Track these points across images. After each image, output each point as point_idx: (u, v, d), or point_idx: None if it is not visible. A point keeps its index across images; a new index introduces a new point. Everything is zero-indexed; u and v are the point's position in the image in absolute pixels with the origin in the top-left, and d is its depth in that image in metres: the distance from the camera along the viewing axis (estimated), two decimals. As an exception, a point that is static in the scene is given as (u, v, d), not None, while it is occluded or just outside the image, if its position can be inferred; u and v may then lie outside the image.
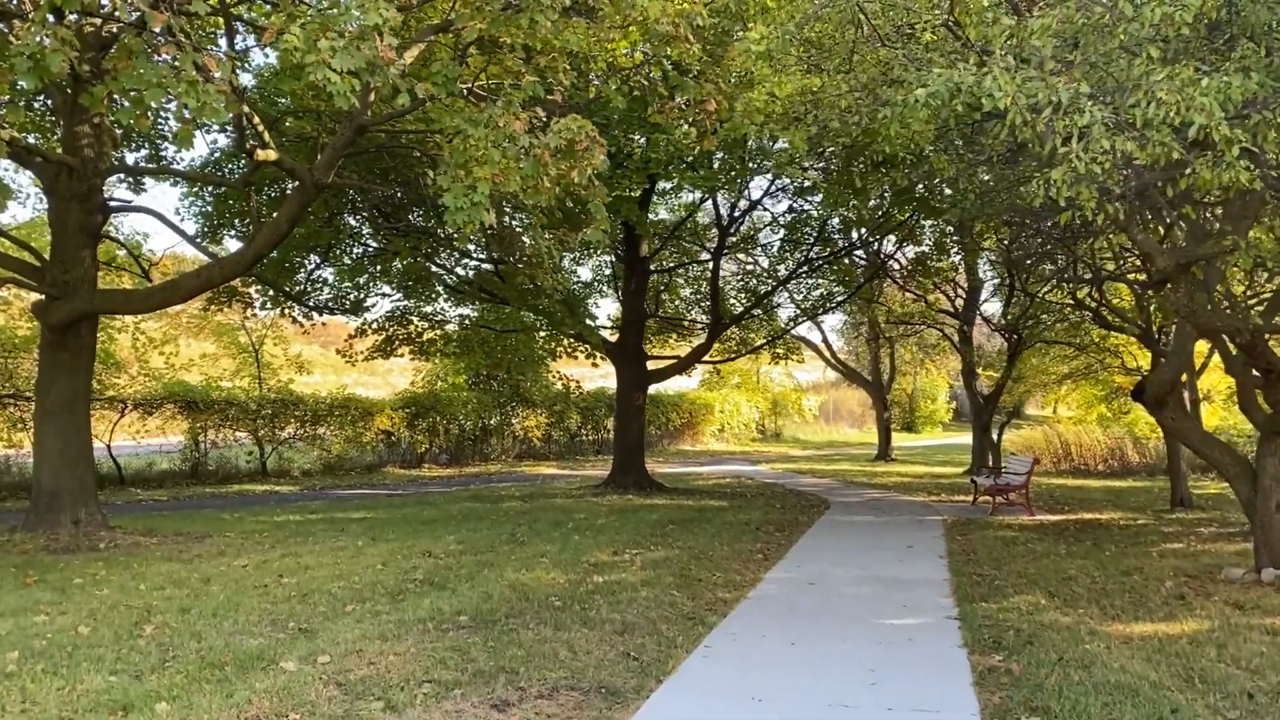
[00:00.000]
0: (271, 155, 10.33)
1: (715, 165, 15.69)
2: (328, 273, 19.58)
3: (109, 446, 20.89)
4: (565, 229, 11.37)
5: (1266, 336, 7.90)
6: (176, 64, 6.46)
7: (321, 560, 10.39)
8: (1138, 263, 12.92)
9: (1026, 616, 7.65)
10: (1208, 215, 7.39)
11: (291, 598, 8.36)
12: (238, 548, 11.33)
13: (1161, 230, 9.03)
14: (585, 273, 24.49)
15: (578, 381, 27.46)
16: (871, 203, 17.72)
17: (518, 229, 16.06)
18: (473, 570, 9.75)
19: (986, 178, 9.38)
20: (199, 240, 16.75)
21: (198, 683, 5.80)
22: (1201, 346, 16.27)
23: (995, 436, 24.95)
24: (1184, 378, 16.53)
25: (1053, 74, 4.99)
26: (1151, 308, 13.81)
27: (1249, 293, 13.13)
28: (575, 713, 5.33)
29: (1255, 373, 8.71)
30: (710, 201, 20.24)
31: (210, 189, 17.19)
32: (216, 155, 17.31)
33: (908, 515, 15.36)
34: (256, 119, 10.33)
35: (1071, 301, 18.30)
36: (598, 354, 20.18)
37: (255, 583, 9.07)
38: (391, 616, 7.61)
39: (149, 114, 9.59)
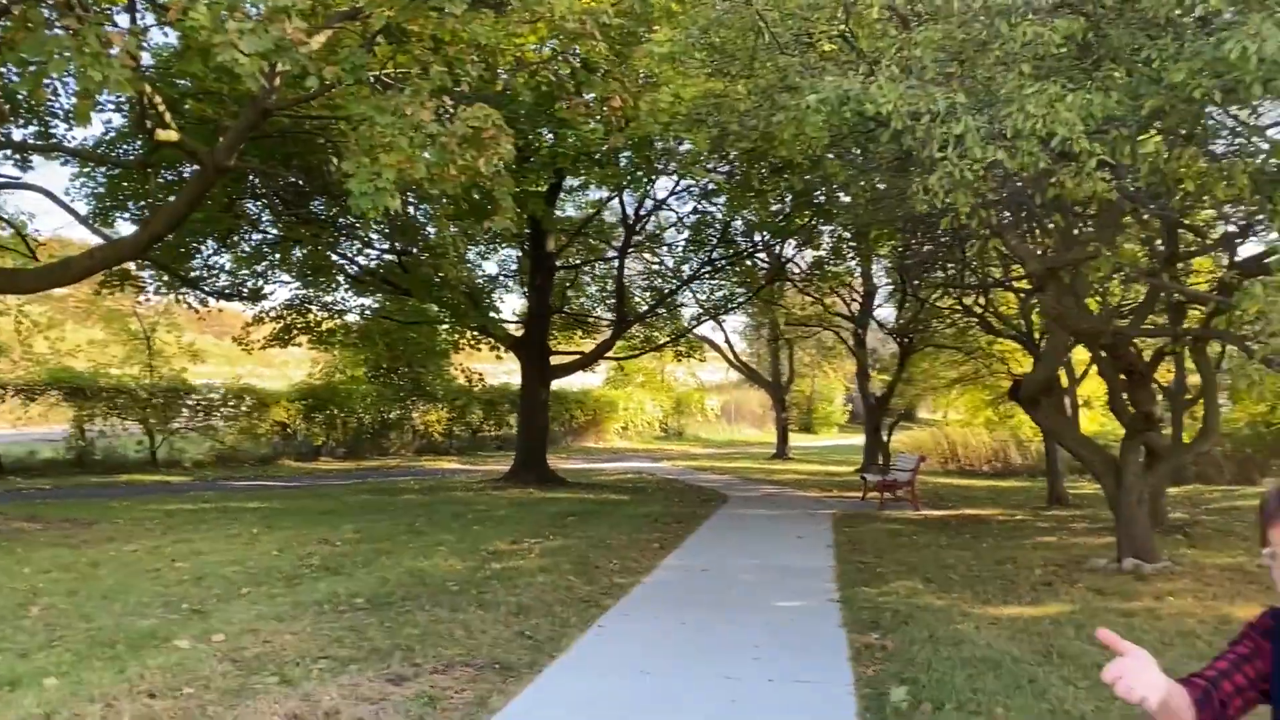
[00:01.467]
0: (173, 136, 10.17)
1: (622, 164, 15.93)
2: (225, 259, 19.19)
3: (-13, 433, 20.11)
4: (472, 220, 11.41)
5: (1131, 341, 8.48)
6: (78, 36, 6.37)
7: (215, 546, 10.27)
8: (1021, 271, 13.63)
9: (904, 600, 8.07)
10: (1081, 224, 7.92)
11: (184, 581, 8.29)
12: (127, 534, 11.10)
13: (1039, 237, 9.60)
14: (491, 267, 24.48)
15: (480, 374, 27.38)
16: (774, 207, 18.21)
17: (422, 220, 16.04)
18: (370, 557, 9.78)
19: (880, 185, 9.82)
20: (90, 221, 16.27)
21: (87, 660, 5.77)
22: (1085, 354, 17.18)
23: (885, 437, 25.75)
24: (1065, 383, 17.47)
25: (934, 84, 5.35)
26: (1032, 314, 14.55)
27: (1124, 300, 13.97)
28: (470, 686, 5.48)
29: (1121, 375, 9.33)
30: (617, 200, 20.49)
31: (103, 170, 16.69)
32: (110, 135, 16.82)
33: (800, 510, 15.84)
34: (158, 99, 10.14)
35: (959, 307, 19.12)
36: (501, 347, 20.22)
37: (146, 567, 8.95)
38: (287, 599, 7.63)
39: (45, 87, 9.32)
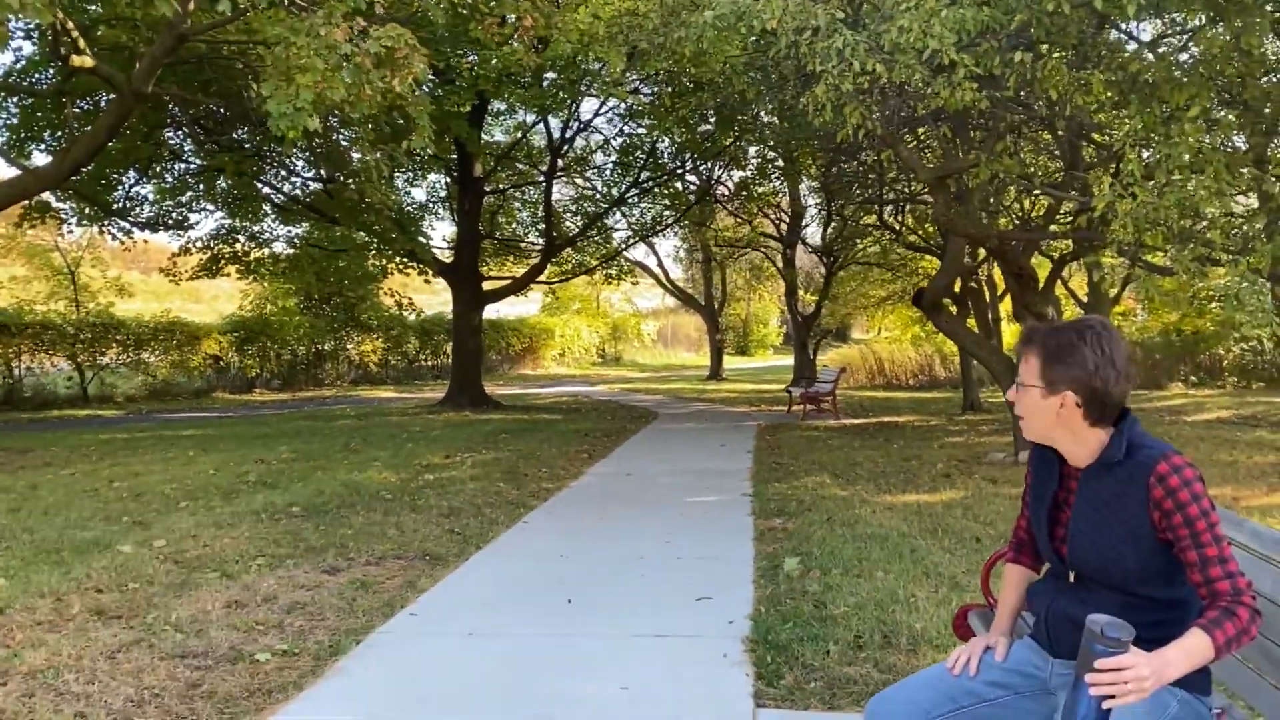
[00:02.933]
0: (88, 62, 10.11)
1: (545, 85, 16.03)
2: (148, 190, 18.97)
3: (-90, 373, 19.82)
4: (394, 144, 11.54)
5: (1015, 243, 9.02)
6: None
7: (152, 468, 10.53)
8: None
9: (810, 492, 8.66)
10: (969, 135, 8.40)
11: (124, 498, 8.57)
12: (64, 460, 11.29)
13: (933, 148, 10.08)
14: (420, 194, 24.47)
15: (409, 299, 27.51)
16: (702, 129, 18.47)
17: (344, 144, 16.02)
18: (306, 473, 10.12)
19: (788, 102, 10.15)
20: (5, 153, 15.99)
21: (34, 564, 6.08)
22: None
23: (811, 354, 26.49)
24: (987, 297, 18.23)
25: (816, 1, 5.70)
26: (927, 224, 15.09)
27: (1025, 208, 14.58)
28: (400, 574, 5.90)
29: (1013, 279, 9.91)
30: (543, 123, 20.57)
31: (15, 100, 16.35)
32: (20, 64, 16.45)
33: (726, 423, 16.46)
34: (70, 24, 10.05)
35: (879, 224, 19.70)
36: (429, 272, 20.36)
37: (85, 487, 9.20)
38: (225, 509, 7.97)
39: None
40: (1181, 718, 2.12)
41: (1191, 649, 1.97)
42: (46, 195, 16.26)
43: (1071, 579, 2.29)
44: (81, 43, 10.13)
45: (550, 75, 16.54)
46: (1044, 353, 2.20)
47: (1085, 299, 17.82)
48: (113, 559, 6.17)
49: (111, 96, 11.81)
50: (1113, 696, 1.87)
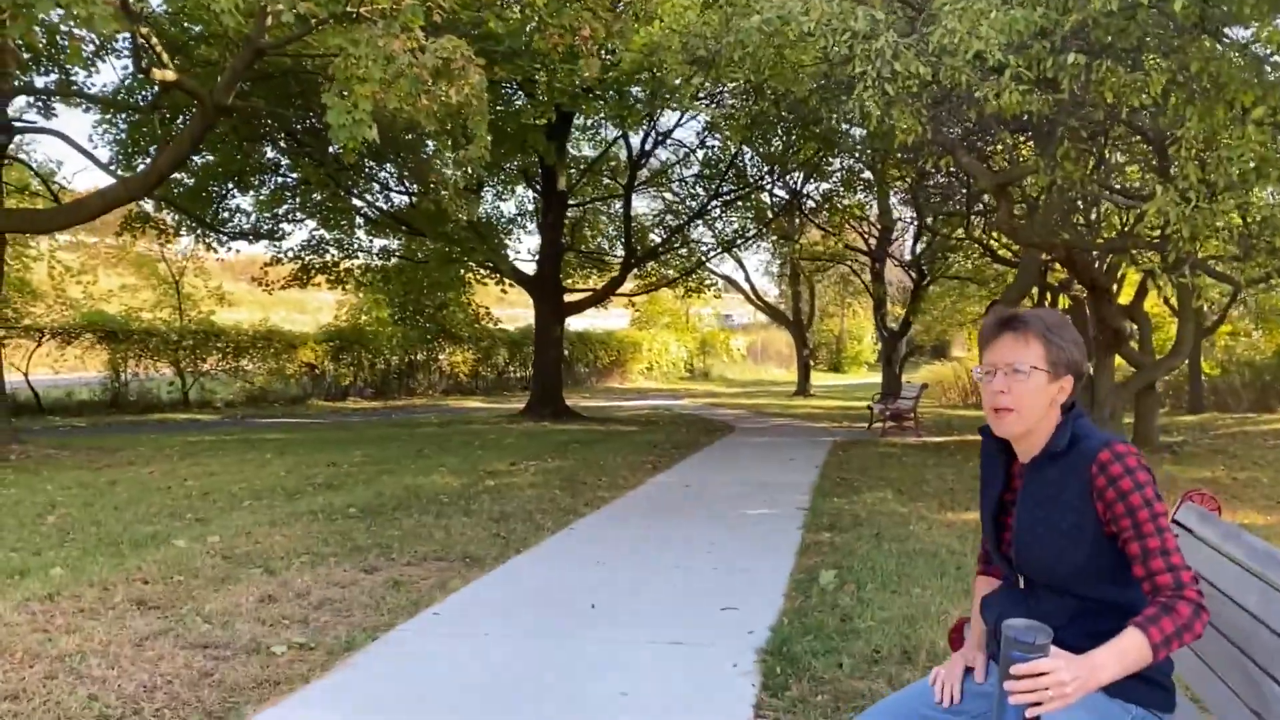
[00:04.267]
0: (170, 75, 10.57)
1: (621, 98, 16.14)
2: (245, 202, 19.73)
3: (26, 376, 20.89)
4: (464, 153, 11.75)
5: (1091, 255, 8.68)
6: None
7: (228, 469, 10.88)
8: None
9: (868, 507, 8.45)
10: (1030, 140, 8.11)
11: (192, 496, 8.87)
12: (148, 459, 11.75)
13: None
14: (509, 207, 24.85)
15: (487, 309, 27.98)
16: (776, 140, 18.35)
17: (426, 157, 16.39)
18: (372, 477, 10.32)
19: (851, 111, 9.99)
20: (112, 168, 16.81)
21: (92, 555, 6.32)
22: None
23: (898, 369, 26.01)
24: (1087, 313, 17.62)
25: (859, 2, 5.59)
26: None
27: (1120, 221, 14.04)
28: (436, 575, 5.95)
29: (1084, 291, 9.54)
30: (623, 136, 20.71)
31: (124, 116, 17.20)
32: (128, 81, 17.30)
33: (803, 438, 16.22)
34: (155, 39, 10.53)
35: (967, 238, 19.23)
36: (506, 283, 20.62)
37: (159, 485, 9.55)
38: (285, 509, 8.17)
39: (42, 30, 9.68)
40: (1136, 738, 1.99)
41: (1125, 649, 1.84)
42: (147, 205, 17.03)
43: (1021, 585, 2.17)
44: (165, 57, 10.59)
45: (634, 90, 16.68)
46: (1047, 335, 2.09)
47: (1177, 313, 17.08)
48: (166, 552, 6.38)
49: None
50: (1038, 704, 1.76)
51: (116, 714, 3.61)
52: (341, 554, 6.46)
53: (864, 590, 5.40)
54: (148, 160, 18.04)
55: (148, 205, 16.82)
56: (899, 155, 14.89)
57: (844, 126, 15.44)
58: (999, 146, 10.28)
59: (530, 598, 5.37)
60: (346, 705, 3.74)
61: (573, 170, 20.98)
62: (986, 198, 15.82)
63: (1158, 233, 8.43)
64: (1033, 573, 2.11)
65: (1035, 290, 13.73)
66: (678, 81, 15.14)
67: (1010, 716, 1.78)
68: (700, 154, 21.43)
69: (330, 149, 18.09)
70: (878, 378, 46.73)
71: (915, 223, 24.06)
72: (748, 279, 33.93)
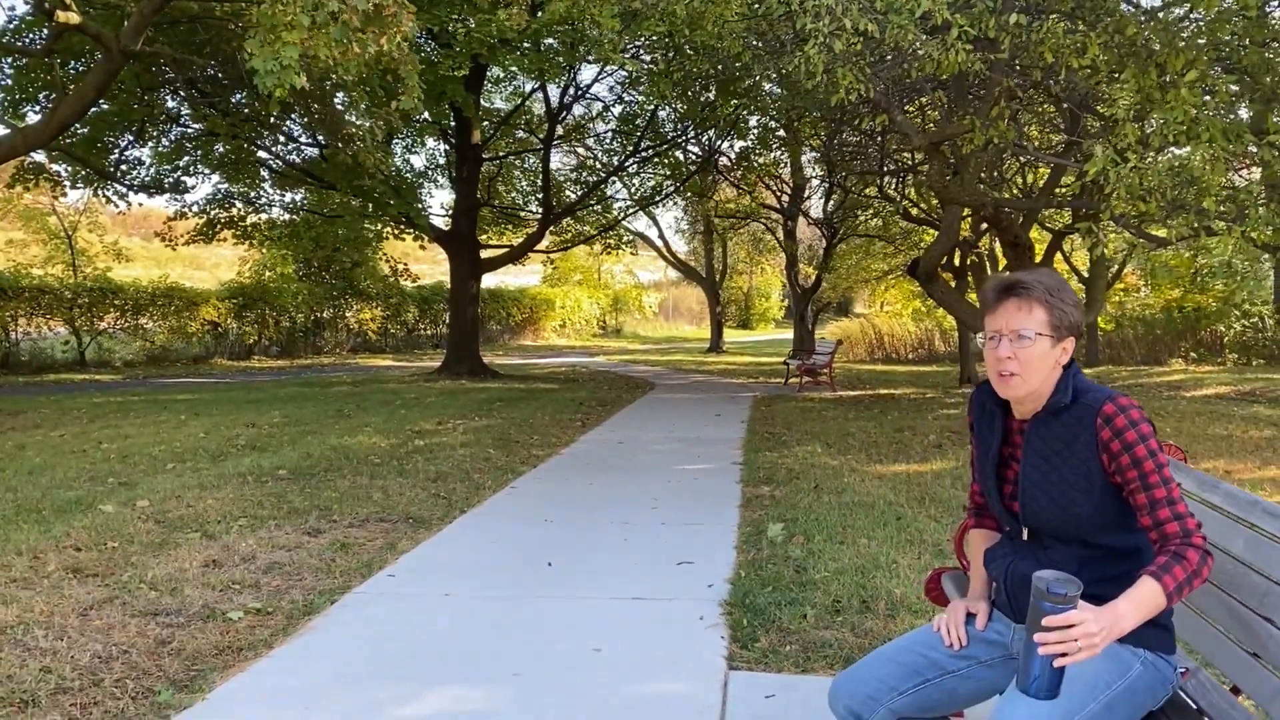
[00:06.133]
0: (74, 18, 9.98)
1: (542, 50, 15.86)
2: (144, 154, 18.85)
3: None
4: (387, 108, 11.39)
5: (1009, 211, 8.91)
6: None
7: (142, 431, 10.50)
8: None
9: (801, 461, 8.61)
10: (968, 101, 8.27)
11: (110, 459, 8.54)
12: (54, 422, 11.26)
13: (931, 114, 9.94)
14: (418, 161, 24.31)
15: (406, 266, 27.46)
16: (701, 98, 18.28)
17: (340, 108, 15.87)
18: (295, 437, 10.08)
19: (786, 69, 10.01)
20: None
21: (14, 522, 6.05)
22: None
23: (810, 326, 26.44)
24: (988, 271, 18.12)
25: (808, -42, 5.58)
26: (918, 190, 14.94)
27: (1026, 181, 14.45)
28: (382, 536, 5.87)
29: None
30: (541, 90, 20.40)
31: (10, 60, 16.21)
32: (14, 24, 16.30)
33: (723, 394, 16.40)
34: (56, -22, 9.93)
35: (879, 196, 19.55)
36: (424, 238, 20.24)
37: (73, 449, 9.17)
38: (212, 472, 7.93)
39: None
40: (1145, 679, 2.07)
41: (1143, 598, 1.92)
42: (40, 157, 16.15)
43: (1025, 536, 2.23)
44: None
45: (549, 41, 16.39)
46: (1049, 299, 2.13)
47: (1086, 272, 17.71)
48: (94, 518, 6.14)
49: (102, 55, 11.66)
50: (1065, 655, 1.82)
51: (75, 686, 3.48)
52: (280, 516, 6.31)
53: (812, 542, 5.51)
54: (35, 108, 17.10)
55: (39, 156, 15.94)
56: (817, 115, 15.02)
57: (766, 86, 15.48)
58: (921, 103, 10.44)
59: (484, 558, 5.33)
60: (316, 670, 3.67)
61: (486, 124, 20.58)
62: (901, 156, 16.09)
63: (1075, 191, 8.71)
64: (1040, 524, 2.17)
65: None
66: (595, 33, 14.97)
67: (1038, 666, 1.84)
68: (617, 110, 21.25)
69: (234, 98, 17.46)
70: (786, 334, 47.54)
71: (827, 181, 24.34)
72: (661, 236, 34.00)
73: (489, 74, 19.93)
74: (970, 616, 2.36)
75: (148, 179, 18.59)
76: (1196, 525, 2.02)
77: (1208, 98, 5.66)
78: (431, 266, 41.83)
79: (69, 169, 17.89)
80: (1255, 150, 6.37)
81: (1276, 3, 7.46)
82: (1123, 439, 2.04)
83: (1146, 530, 2.05)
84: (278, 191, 20.81)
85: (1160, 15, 6.28)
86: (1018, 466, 2.22)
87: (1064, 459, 2.12)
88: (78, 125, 16.25)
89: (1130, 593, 1.93)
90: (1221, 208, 5.55)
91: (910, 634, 2.41)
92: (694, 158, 24.26)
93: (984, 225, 13.38)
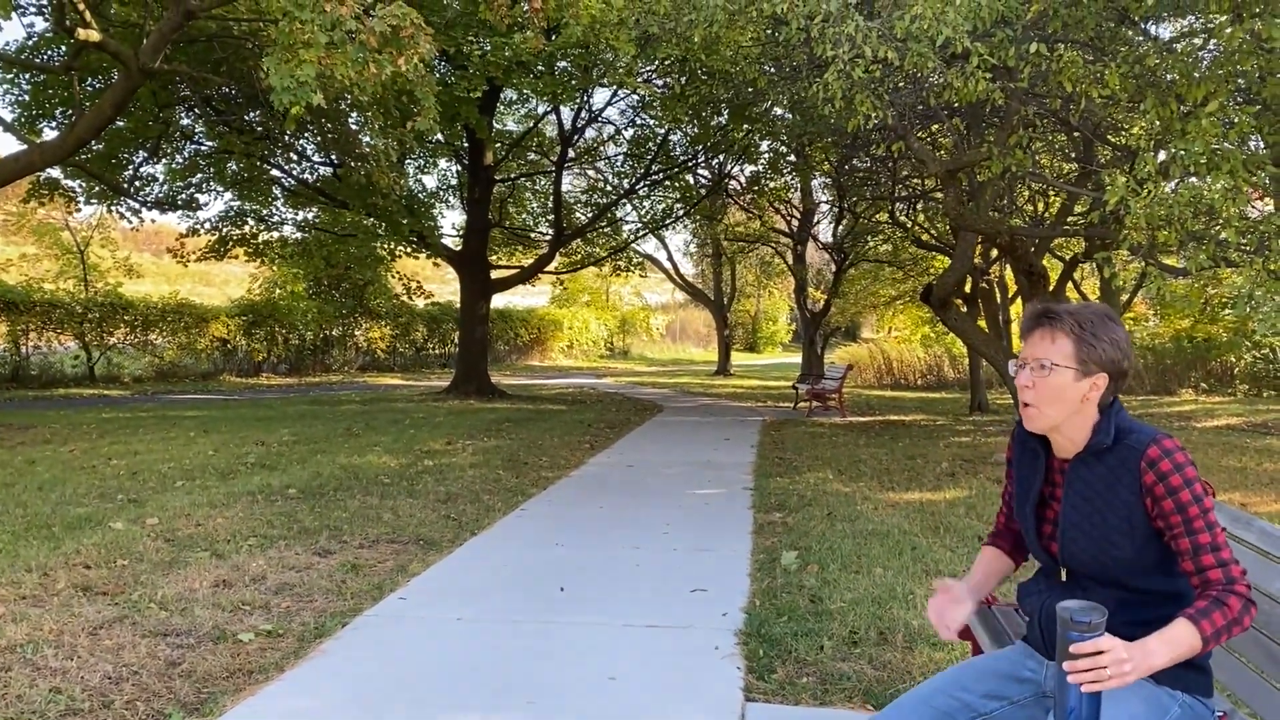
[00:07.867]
0: (94, 35, 10.04)
1: (557, 73, 15.93)
2: (158, 170, 18.95)
3: (-82, 348, 19.81)
4: (402, 128, 11.44)
5: (1025, 240, 8.88)
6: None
7: (152, 447, 10.48)
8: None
9: (812, 487, 8.55)
10: (984, 130, 8.26)
11: (120, 475, 8.52)
12: (64, 437, 11.25)
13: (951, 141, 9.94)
14: (431, 181, 24.41)
15: (419, 282, 27.50)
16: (713, 122, 18.34)
17: (354, 128, 15.94)
18: (305, 456, 10.06)
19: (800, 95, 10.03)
20: (16, 128, 15.95)
21: (23, 539, 6.02)
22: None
23: (819, 350, 26.40)
24: (999, 298, 18.08)
25: (829, -15, 5.59)
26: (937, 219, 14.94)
27: (1039, 210, 14.42)
28: (392, 558, 5.83)
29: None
30: (554, 112, 20.49)
31: (28, 77, 16.33)
32: (34, 40, 16.43)
33: (732, 417, 16.35)
34: (78, -2, 10.00)
35: (891, 222, 19.56)
36: (436, 258, 20.27)
37: (82, 464, 9.16)
38: (221, 490, 7.91)
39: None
40: (1182, 721, 2.03)
41: (1176, 639, 1.87)
42: (55, 172, 16.23)
43: (1064, 576, 2.19)
44: (88, 16, 10.06)
45: (563, 64, 16.46)
46: (1078, 331, 2.06)
47: (1097, 301, 17.66)
48: (103, 535, 6.12)
49: (121, 72, 11.73)
50: (1096, 682, 1.78)
51: (85, 707, 3.44)
52: (290, 536, 6.28)
53: (827, 571, 5.46)
54: (52, 123, 17.21)
55: (54, 171, 16.01)
56: (826, 139, 15.04)
57: (778, 111, 15.52)
58: (935, 129, 10.43)
59: (495, 581, 5.29)
60: (328, 694, 3.62)
61: (498, 145, 20.66)
62: (913, 183, 16.10)
63: (1091, 220, 8.68)
64: (1078, 566, 2.13)
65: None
66: (610, 57, 15.02)
67: (1073, 697, 1.80)
68: (629, 133, 21.31)
69: (249, 116, 17.55)
70: (793, 358, 47.49)
71: (837, 206, 24.36)
72: (670, 258, 34.04)
73: (503, 96, 20.01)
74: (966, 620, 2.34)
75: (161, 195, 18.67)
76: (1241, 572, 1.98)
77: (1225, 129, 5.64)
78: (440, 286, 41.91)
79: (83, 184, 17.98)
80: (1269, 183, 6.35)
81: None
82: (1167, 483, 1.99)
83: (1188, 575, 2.00)
84: (290, 209, 20.89)
85: (1177, 47, 6.28)
86: (1058, 506, 2.17)
87: (1106, 502, 2.07)
88: (93, 141, 16.37)
89: (1164, 631, 1.89)
90: (1242, 240, 5.52)
91: (941, 675, 2.36)
92: (704, 181, 24.31)
93: (994, 253, 13.36)
